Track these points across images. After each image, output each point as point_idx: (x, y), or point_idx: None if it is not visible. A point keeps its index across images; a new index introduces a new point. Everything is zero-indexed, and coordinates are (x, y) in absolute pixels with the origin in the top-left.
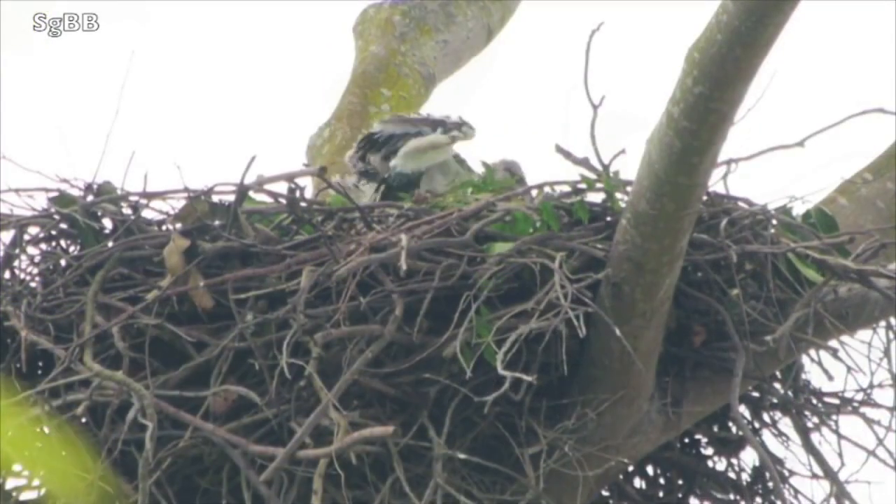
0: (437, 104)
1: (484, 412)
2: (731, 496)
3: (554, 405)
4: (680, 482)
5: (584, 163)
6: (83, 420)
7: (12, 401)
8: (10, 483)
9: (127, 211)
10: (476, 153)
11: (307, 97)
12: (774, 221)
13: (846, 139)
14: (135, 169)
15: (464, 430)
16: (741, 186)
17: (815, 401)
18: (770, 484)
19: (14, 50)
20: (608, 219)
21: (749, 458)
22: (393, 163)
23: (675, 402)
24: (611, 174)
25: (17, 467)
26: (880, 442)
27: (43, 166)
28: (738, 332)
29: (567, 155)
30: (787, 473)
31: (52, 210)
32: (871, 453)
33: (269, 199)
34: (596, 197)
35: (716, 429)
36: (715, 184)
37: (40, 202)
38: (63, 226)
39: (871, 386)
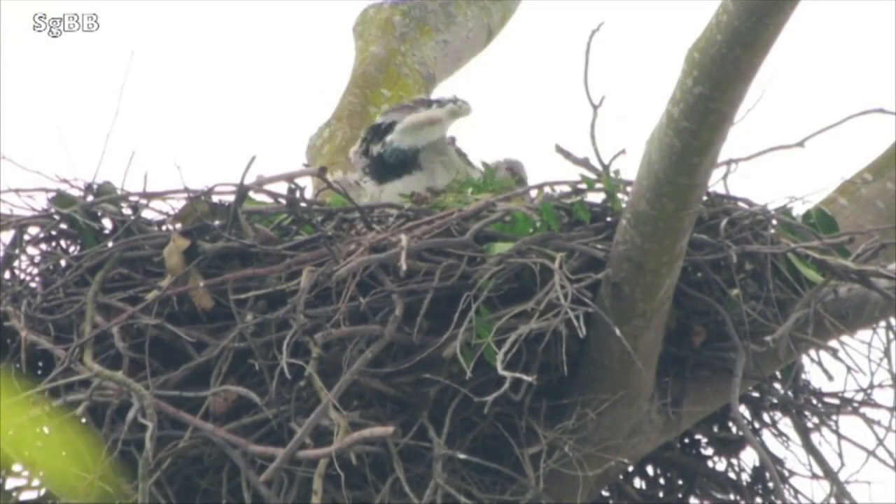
0: None
1: (484, 412)
2: (731, 496)
3: (554, 405)
4: (680, 482)
5: (584, 163)
6: (83, 420)
7: (12, 401)
8: (10, 483)
9: (127, 211)
10: (477, 153)
11: (307, 97)
12: (774, 221)
13: (846, 139)
14: (135, 169)
15: (464, 431)
16: (741, 186)
17: (815, 401)
18: (770, 484)
19: (14, 50)
20: (608, 219)
21: (749, 458)
22: (389, 138)
23: (675, 402)
24: (611, 174)
25: (17, 467)
26: (880, 442)
27: (43, 166)
28: (738, 332)
29: (567, 155)
30: (787, 473)
31: (52, 210)
32: (871, 453)
33: (269, 200)
34: (596, 197)
35: (716, 429)
36: (715, 184)
37: (40, 202)
38: (63, 226)
39: (871, 386)
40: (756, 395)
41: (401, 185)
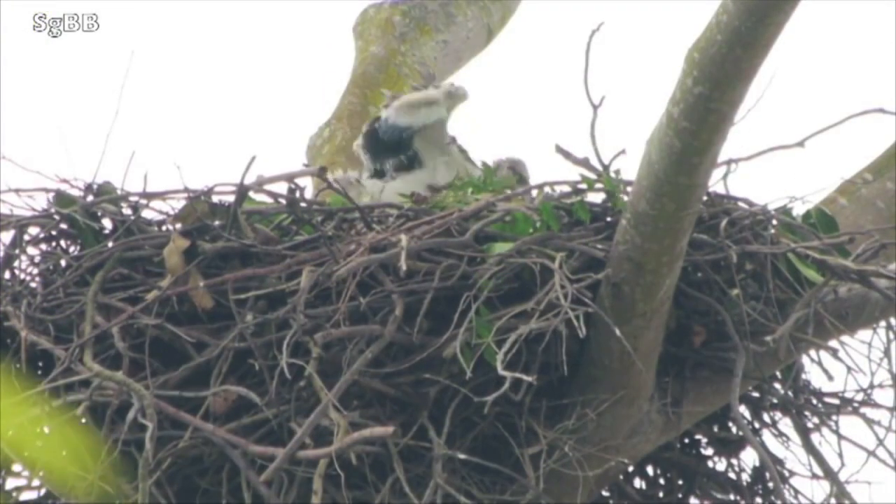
0: None
1: (484, 412)
2: (731, 496)
3: (554, 405)
4: (680, 482)
5: (584, 163)
6: (83, 420)
7: (12, 401)
8: (10, 483)
9: (127, 211)
10: (477, 153)
11: (307, 97)
12: (774, 221)
13: (846, 139)
14: (135, 169)
15: (464, 431)
16: (741, 186)
17: (815, 401)
18: (770, 484)
19: (14, 50)
20: (608, 219)
21: (749, 458)
22: (384, 114)
23: (675, 402)
24: (611, 174)
25: (17, 467)
26: (880, 442)
27: (43, 166)
28: (738, 332)
29: (567, 155)
30: (787, 473)
31: (52, 210)
32: (871, 453)
33: (269, 200)
34: (596, 197)
35: (716, 429)
36: (715, 184)
37: (40, 202)
38: (63, 226)
39: (871, 386)
40: (756, 395)
41: (402, 183)
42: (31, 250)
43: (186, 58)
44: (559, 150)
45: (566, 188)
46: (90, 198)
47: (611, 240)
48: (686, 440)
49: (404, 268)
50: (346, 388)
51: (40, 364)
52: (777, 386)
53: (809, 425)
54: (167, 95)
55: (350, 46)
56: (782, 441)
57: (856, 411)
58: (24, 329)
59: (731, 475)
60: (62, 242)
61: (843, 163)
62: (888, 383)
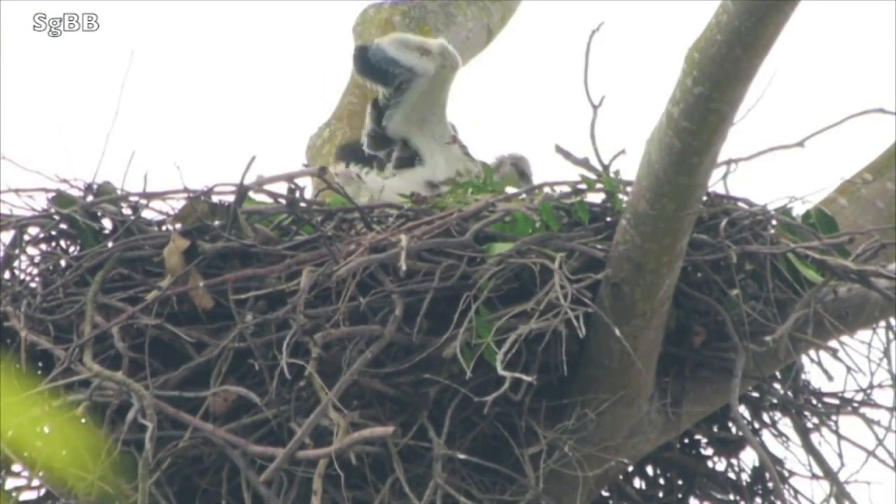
0: None
1: (484, 412)
2: (731, 496)
3: (554, 405)
4: (680, 482)
5: (584, 163)
6: (83, 420)
7: (12, 401)
8: (10, 483)
9: (127, 211)
10: (478, 153)
11: (307, 97)
12: (774, 222)
13: (846, 139)
14: (135, 169)
15: (464, 431)
16: (741, 186)
17: (814, 401)
18: (770, 484)
19: (14, 50)
20: (608, 219)
21: (749, 458)
22: (377, 40)
23: (674, 402)
24: (611, 174)
25: (17, 467)
26: (880, 442)
27: (43, 166)
28: (737, 332)
29: (567, 155)
30: (786, 474)
31: (52, 210)
32: (871, 453)
33: (269, 200)
34: (596, 197)
35: (716, 429)
36: (715, 184)
37: (40, 202)
38: (63, 226)
39: (871, 386)
40: (756, 395)
41: (402, 181)
42: (31, 250)
43: (186, 58)
44: (559, 150)
45: (566, 188)
46: (90, 198)
47: (610, 240)
48: (686, 440)
49: (404, 268)
50: (345, 388)
51: (40, 364)
52: (777, 386)
53: (809, 425)
54: (167, 95)
55: (350, 46)
56: (782, 441)
57: (855, 411)
58: (24, 329)
59: (731, 475)
60: (62, 242)
61: (843, 163)
62: (888, 383)
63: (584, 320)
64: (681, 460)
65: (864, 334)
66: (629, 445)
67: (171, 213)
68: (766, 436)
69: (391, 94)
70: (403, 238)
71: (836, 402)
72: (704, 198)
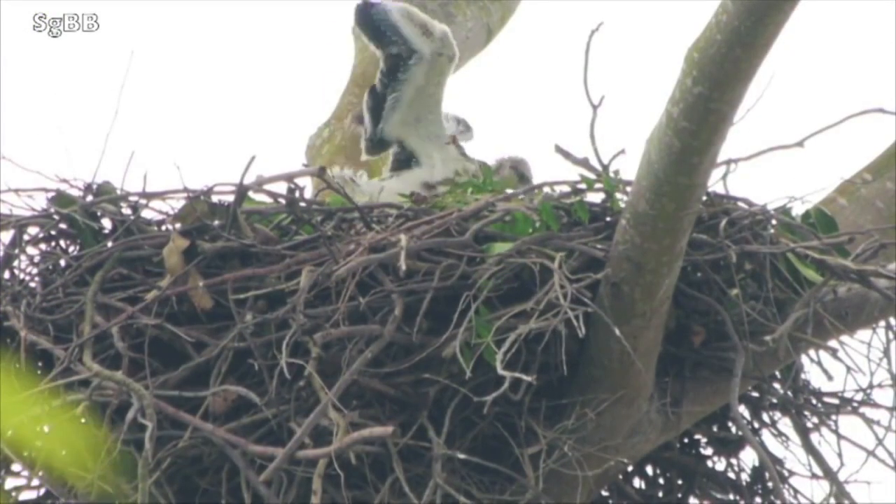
0: None
1: (483, 412)
2: (731, 496)
3: (553, 405)
4: (679, 482)
5: (583, 163)
6: (83, 420)
7: (12, 400)
8: (10, 483)
9: (126, 211)
10: (478, 153)
11: (307, 97)
12: (774, 221)
13: (846, 139)
14: (135, 169)
15: (463, 430)
16: (741, 186)
17: (814, 401)
18: (770, 484)
19: (14, 50)
20: (608, 219)
21: (749, 458)
22: (387, 2)
23: (674, 402)
24: (610, 174)
25: (17, 467)
26: (880, 442)
27: (43, 166)
28: (737, 332)
29: (567, 155)
30: (786, 473)
31: (52, 210)
32: (871, 453)
33: (268, 199)
34: (596, 197)
35: (715, 429)
36: (715, 184)
37: (40, 202)
38: (62, 226)
39: (871, 386)
40: (756, 395)
41: (400, 182)
42: (31, 250)
43: (186, 58)
44: (559, 150)
45: (566, 188)
46: (90, 198)
47: (610, 240)
48: (685, 440)
49: (404, 268)
50: (345, 387)
51: (40, 364)
52: (776, 386)
53: (809, 425)
54: (167, 95)
55: (350, 46)
56: (782, 441)
57: (855, 411)
58: (24, 329)
59: (731, 475)
60: (62, 242)
61: (842, 163)
62: (887, 383)
63: (583, 320)
64: (680, 460)
65: (863, 334)
66: (629, 445)
67: (171, 212)
68: (766, 435)
69: (387, 80)
70: (403, 238)
71: (835, 401)
72: (704, 198)
